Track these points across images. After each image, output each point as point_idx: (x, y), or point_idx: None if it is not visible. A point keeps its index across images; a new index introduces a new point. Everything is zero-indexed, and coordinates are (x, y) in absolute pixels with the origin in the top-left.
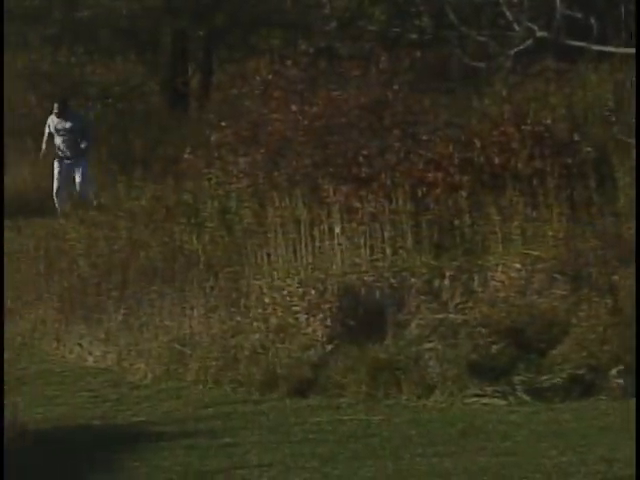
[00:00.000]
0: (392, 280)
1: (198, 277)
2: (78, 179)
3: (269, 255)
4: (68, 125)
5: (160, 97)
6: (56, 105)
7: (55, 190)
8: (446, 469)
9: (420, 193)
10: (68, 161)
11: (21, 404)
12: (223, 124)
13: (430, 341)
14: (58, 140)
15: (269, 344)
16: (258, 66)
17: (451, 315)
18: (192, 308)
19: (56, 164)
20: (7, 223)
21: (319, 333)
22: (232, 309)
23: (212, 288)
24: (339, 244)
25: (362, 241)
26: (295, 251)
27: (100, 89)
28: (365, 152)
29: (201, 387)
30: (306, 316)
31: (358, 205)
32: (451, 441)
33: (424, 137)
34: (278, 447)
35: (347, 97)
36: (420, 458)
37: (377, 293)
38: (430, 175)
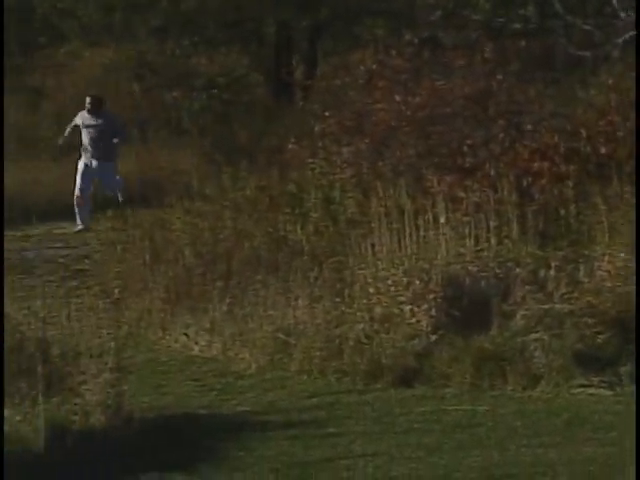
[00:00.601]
0: (497, 270)
1: (302, 267)
2: (104, 184)
3: (373, 245)
4: (99, 123)
5: (264, 88)
6: (89, 100)
7: (76, 192)
8: (551, 460)
9: (525, 183)
10: (94, 161)
11: (127, 393)
12: (327, 114)
13: (536, 331)
14: (85, 138)
15: (373, 334)
16: (362, 56)
17: (557, 305)
18: (296, 298)
19: (80, 163)
20: (111, 213)
21: (423, 323)
22: (336, 299)
23: (316, 278)
24: (443, 234)
25: (467, 231)
26: (399, 241)
27: (205, 80)
28: (469, 142)
29: (305, 377)
30: (410, 306)
31: (462, 195)
32: (556, 432)
33: (529, 127)
34: (383, 437)
35: (451, 87)
36: (525, 449)
37: (482, 283)
38: (535, 165)
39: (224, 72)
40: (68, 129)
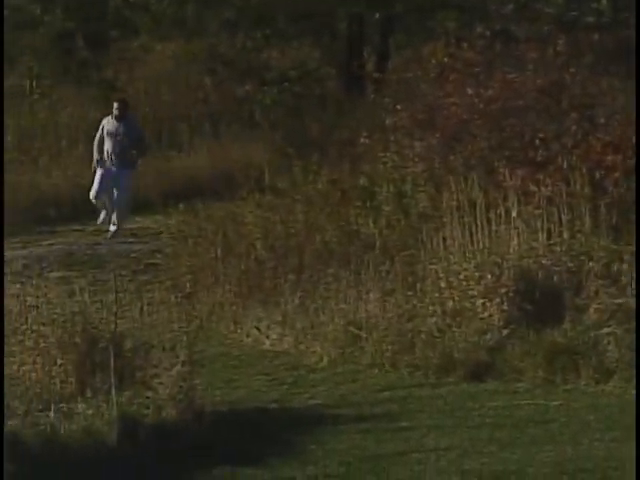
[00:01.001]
0: (570, 264)
1: (374, 261)
2: (116, 190)
3: (445, 239)
4: (124, 130)
5: (336, 81)
6: (116, 105)
7: (92, 197)
8: (624, 455)
9: (598, 176)
10: (114, 169)
11: (199, 386)
12: (399, 107)
13: (608, 325)
14: (108, 145)
15: (445, 328)
16: (434, 49)
17: (630, 299)
18: (368, 292)
19: (99, 171)
20: (183, 207)
21: (496, 317)
22: (408, 293)
23: (388, 272)
24: (515, 228)
25: (539, 224)
26: (471, 235)
27: (277, 74)
28: (542, 135)
29: (377, 371)
30: (482, 300)
31: (535, 188)
32: (630, 427)
33: (602, 120)
34: (455, 431)
35: (524, 80)
36: (598, 443)
37: (554, 277)
38: (608, 158)
39: (296, 65)
40: (96, 143)
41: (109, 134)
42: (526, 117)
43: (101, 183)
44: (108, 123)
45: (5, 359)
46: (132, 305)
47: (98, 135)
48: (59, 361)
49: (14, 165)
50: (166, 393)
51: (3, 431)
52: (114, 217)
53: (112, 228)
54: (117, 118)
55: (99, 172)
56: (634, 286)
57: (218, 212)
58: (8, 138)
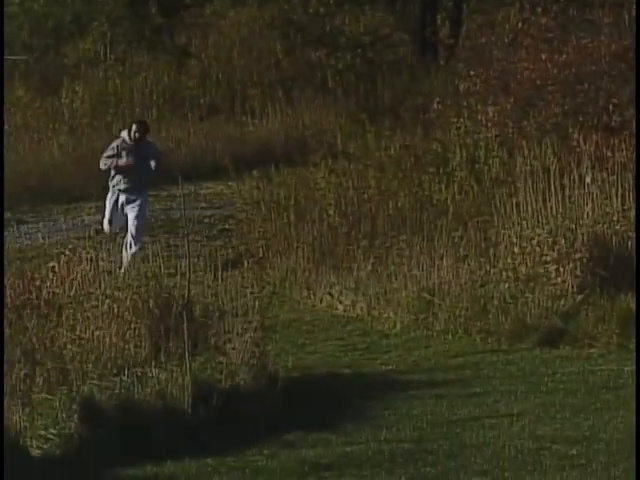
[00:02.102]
0: None
1: (447, 227)
2: (133, 219)
3: (518, 205)
4: (144, 154)
5: (409, 47)
6: (135, 127)
7: (107, 223)
8: None
9: None
10: (126, 196)
11: (272, 352)
12: (472, 73)
13: None
14: (126, 168)
15: (518, 294)
16: (508, 15)
17: None
18: (441, 258)
19: (112, 197)
20: (256, 172)
21: (569, 283)
22: (481, 259)
23: (461, 238)
24: (589, 193)
25: (613, 190)
26: (544, 200)
27: (349, 39)
28: (616, 100)
29: (450, 336)
30: (556, 266)
31: (609, 154)
32: None
33: None
34: (528, 397)
35: (598, 45)
36: None
37: (629, 243)
38: None
39: (369, 31)
40: (109, 160)
41: (126, 157)
42: (600, 82)
43: (113, 213)
44: (123, 145)
45: (79, 324)
46: (205, 271)
47: (108, 155)
48: (133, 326)
49: (88, 131)
50: (239, 358)
51: (3, 431)
52: (131, 239)
53: (133, 249)
54: (136, 141)
55: (112, 198)
56: None
57: (291, 178)
58: (79, 104)
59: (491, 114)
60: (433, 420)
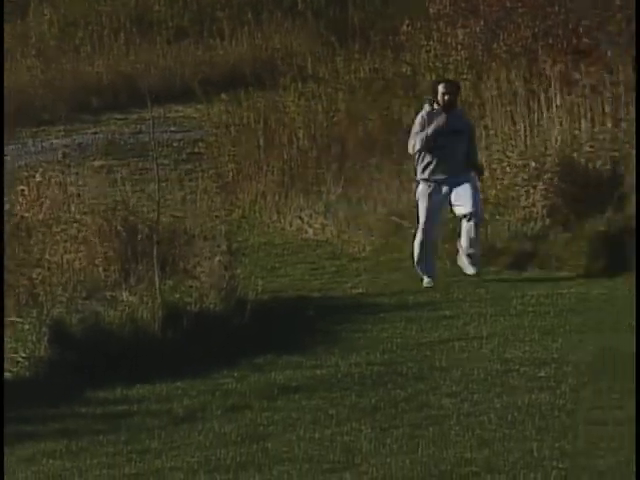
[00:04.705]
0: (613, 152)
1: None
2: (467, 207)
3: (487, 127)
4: (457, 125)
5: None
6: (443, 87)
7: (418, 245)
8: None
9: None
10: (444, 183)
11: (241, 275)
12: None
13: None
14: (436, 146)
15: (488, 217)
16: None
17: None
18: (410, 181)
19: (422, 188)
20: (225, 96)
21: (539, 206)
22: None
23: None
24: (559, 117)
25: (582, 113)
26: (514, 123)
27: None
28: (586, 22)
29: None
30: (525, 189)
31: (578, 77)
32: None
33: None
34: (497, 319)
35: None
36: None
37: (598, 165)
38: None
39: None
40: (420, 136)
41: (439, 133)
42: (570, 4)
43: (427, 220)
44: (431, 116)
45: (49, 247)
46: (174, 194)
47: (417, 132)
48: (102, 250)
49: (57, 54)
50: (208, 282)
51: (3, 431)
52: (467, 248)
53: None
54: (446, 107)
55: (422, 199)
56: None
57: (260, 101)
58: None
59: (460, 37)
60: (403, 343)
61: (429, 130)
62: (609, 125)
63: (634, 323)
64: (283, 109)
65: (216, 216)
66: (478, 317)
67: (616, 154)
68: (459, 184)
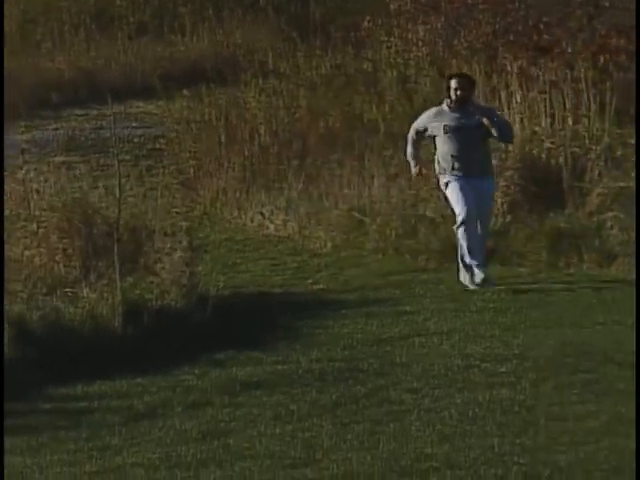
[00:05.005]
0: (574, 148)
1: (378, 146)
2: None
3: None
4: (470, 122)
5: None
6: (455, 82)
7: (463, 239)
8: (629, 338)
9: (603, 60)
10: (469, 178)
11: (202, 271)
12: None
13: (612, 210)
14: (450, 147)
15: (449, 213)
16: None
17: (633, 183)
18: (372, 177)
19: (449, 182)
20: (186, 92)
21: (499, 202)
22: (412, 178)
23: (392, 157)
24: (519, 113)
25: (542, 109)
26: None
27: None
28: (546, 19)
29: (380, 256)
30: None
31: (538, 73)
32: (633, 310)
33: (606, 3)
34: (458, 315)
35: None
36: (601, 327)
37: (559, 161)
38: (613, 42)
39: None
40: (410, 140)
41: (448, 131)
42: (531, 1)
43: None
44: (443, 115)
45: (8, 244)
46: (135, 190)
47: (412, 134)
48: (62, 246)
49: (17, 50)
50: (169, 278)
51: (3, 431)
52: (471, 258)
53: (480, 278)
54: (458, 102)
55: (456, 195)
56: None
57: (221, 97)
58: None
59: (421, 33)
60: (363, 338)
61: (418, 119)
62: (570, 121)
63: (634, 322)
64: (244, 105)
65: (177, 212)
66: (439, 313)
67: (577, 150)
68: (477, 187)
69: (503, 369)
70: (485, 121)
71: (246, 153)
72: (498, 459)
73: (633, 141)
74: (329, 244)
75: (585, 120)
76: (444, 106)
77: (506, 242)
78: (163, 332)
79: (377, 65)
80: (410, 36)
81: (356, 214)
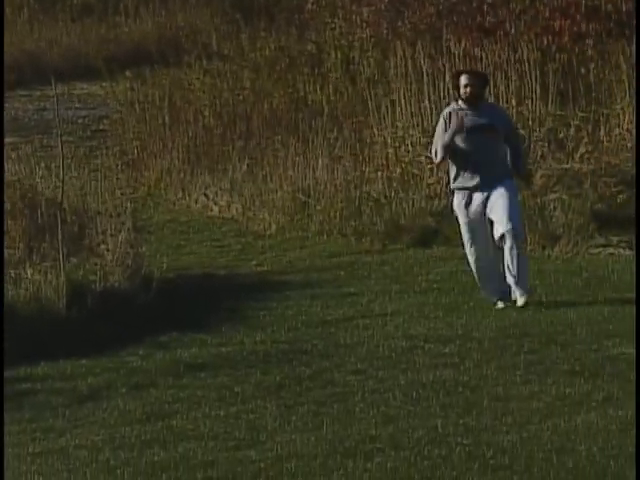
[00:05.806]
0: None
1: (322, 128)
2: (502, 225)
3: (392, 105)
4: (484, 122)
5: None
6: (465, 79)
7: (475, 269)
8: (570, 319)
9: (546, 42)
10: (477, 191)
11: (147, 253)
12: None
13: (555, 191)
14: (464, 148)
15: (393, 194)
16: None
17: (576, 165)
18: (316, 159)
19: (456, 200)
20: (130, 73)
21: (443, 183)
22: (356, 160)
23: (336, 139)
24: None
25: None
26: (419, 101)
27: None
28: (490, 0)
29: (325, 237)
30: (430, 166)
31: (482, 54)
32: (576, 291)
33: None
34: (401, 296)
35: None
36: (545, 309)
37: None
38: (556, 23)
39: None
40: (444, 137)
41: (461, 132)
42: None
43: (473, 225)
44: (455, 114)
45: None
46: (79, 171)
47: (441, 133)
48: (5, 227)
49: None
50: (113, 259)
51: (3, 430)
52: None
53: (522, 300)
54: (470, 101)
55: (462, 200)
56: (580, 151)
57: (165, 79)
58: None
59: (365, 14)
60: (307, 320)
61: (448, 134)
62: (513, 102)
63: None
64: (188, 86)
65: (121, 193)
66: (382, 294)
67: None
68: (493, 194)
69: (447, 350)
70: (505, 118)
71: (190, 134)
72: (442, 439)
73: (576, 122)
74: (273, 226)
75: (528, 102)
76: (453, 105)
77: (450, 223)
78: (107, 313)
79: (321, 47)
80: (354, 18)
81: (300, 196)
